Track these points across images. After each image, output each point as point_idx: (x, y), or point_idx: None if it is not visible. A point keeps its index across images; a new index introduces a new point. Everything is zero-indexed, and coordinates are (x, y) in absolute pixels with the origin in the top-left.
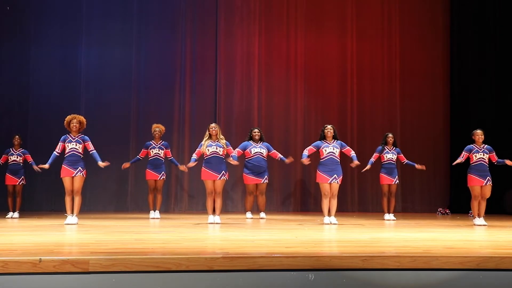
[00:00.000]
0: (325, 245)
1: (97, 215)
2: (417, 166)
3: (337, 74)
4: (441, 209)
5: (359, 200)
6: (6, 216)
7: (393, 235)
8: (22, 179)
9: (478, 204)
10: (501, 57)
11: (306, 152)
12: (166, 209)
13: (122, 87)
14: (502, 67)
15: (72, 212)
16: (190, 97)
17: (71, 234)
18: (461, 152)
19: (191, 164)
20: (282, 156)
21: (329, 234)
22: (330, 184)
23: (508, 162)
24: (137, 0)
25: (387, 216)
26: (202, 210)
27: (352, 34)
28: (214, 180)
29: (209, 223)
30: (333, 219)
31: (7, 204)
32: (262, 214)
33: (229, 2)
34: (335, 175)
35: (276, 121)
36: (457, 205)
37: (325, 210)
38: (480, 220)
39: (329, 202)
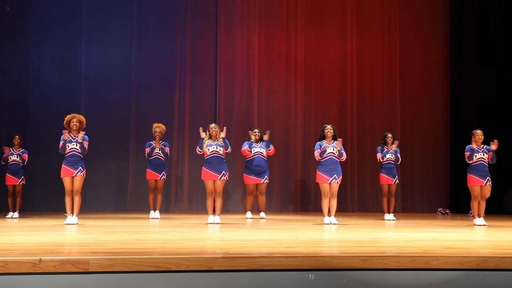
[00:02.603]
0: (325, 245)
1: (97, 215)
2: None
3: (337, 74)
4: (441, 209)
5: (359, 200)
6: (6, 216)
7: (393, 235)
8: (22, 179)
9: (478, 204)
10: (501, 57)
11: (318, 154)
12: (166, 209)
13: (122, 87)
14: (502, 67)
15: (72, 212)
16: (190, 97)
17: (71, 234)
18: (465, 153)
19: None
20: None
21: (329, 234)
22: (330, 184)
23: (493, 146)
24: (137, 0)
25: (387, 216)
26: (202, 210)
27: (352, 34)
28: (215, 180)
29: (209, 223)
30: (333, 219)
31: (7, 204)
32: (262, 214)
33: (229, 2)
34: (335, 175)
35: (276, 121)
36: (457, 205)
37: (325, 210)
38: (480, 220)
39: (329, 202)
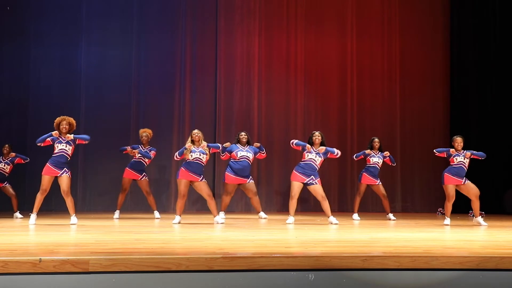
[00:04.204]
0: (325, 245)
1: (97, 215)
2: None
3: (337, 74)
4: (441, 209)
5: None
6: None
7: (393, 235)
8: (6, 182)
9: (472, 204)
10: (501, 57)
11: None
12: (166, 209)
13: (122, 87)
14: (502, 67)
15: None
16: (190, 97)
17: (71, 234)
18: (441, 154)
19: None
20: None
21: (329, 234)
22: (308, 186)
23: (467, 155)
24: (137, 0)
25: (356, 215)
26: (202, 210)
27: (352, 34)
28: (195, 182)
29: (174, 223)
30: (333, 219)
31: (2, 205)
32: (262, 214)
33: (229, 2)
34: (312, 177)
35: (276, 121)
36: (457, 205)
37: (292, 210)
38: (447, 220)
39: (322, 205)
